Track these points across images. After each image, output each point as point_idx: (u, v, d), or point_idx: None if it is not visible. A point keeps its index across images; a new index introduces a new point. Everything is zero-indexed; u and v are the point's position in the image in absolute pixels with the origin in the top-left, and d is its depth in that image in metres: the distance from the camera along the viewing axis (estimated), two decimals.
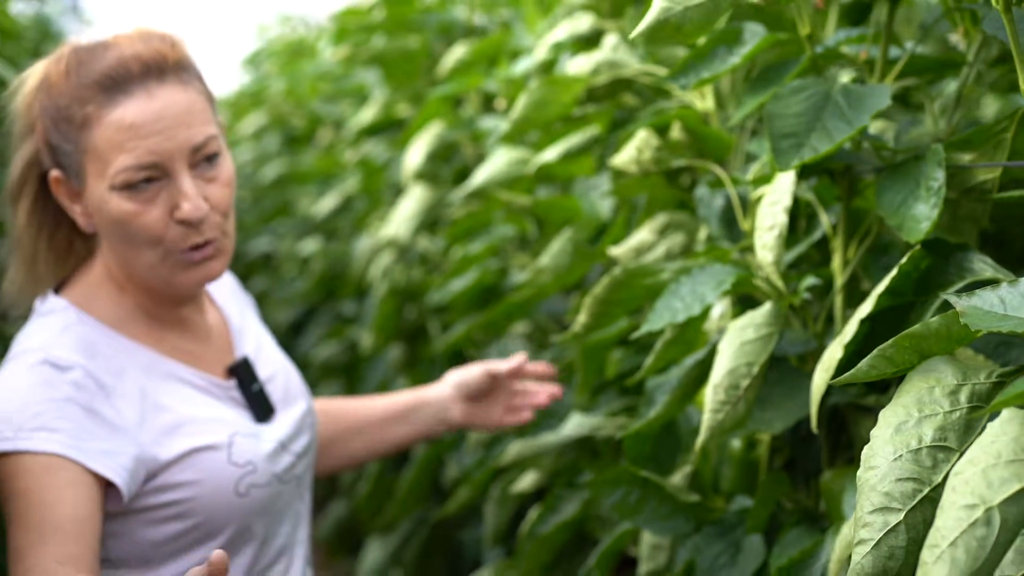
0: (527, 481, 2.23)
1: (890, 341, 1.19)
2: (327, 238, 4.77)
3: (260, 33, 6.28)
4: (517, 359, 2.05)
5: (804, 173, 1.65)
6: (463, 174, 3.08)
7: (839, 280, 1.59)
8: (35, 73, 1.73)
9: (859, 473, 1.15)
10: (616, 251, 1.98)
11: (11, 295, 1.78)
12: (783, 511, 1.68)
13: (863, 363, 1.21)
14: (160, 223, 1.67)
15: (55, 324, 1.70)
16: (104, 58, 1.67)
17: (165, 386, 1.74)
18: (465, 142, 3.12)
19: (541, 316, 2.63)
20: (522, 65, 2.64)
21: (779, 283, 1.54)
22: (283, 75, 5.77)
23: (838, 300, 1.60)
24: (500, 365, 2.05)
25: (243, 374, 1.84)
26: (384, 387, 3.56)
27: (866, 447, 1.16)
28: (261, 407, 1.83)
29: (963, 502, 0.98)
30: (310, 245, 4.85)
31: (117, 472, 1.61)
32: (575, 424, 2.08)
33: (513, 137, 2.13)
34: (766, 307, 1.54)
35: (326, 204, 4.32)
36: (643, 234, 1.97)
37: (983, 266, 1.36)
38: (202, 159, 1.69)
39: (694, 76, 1.63)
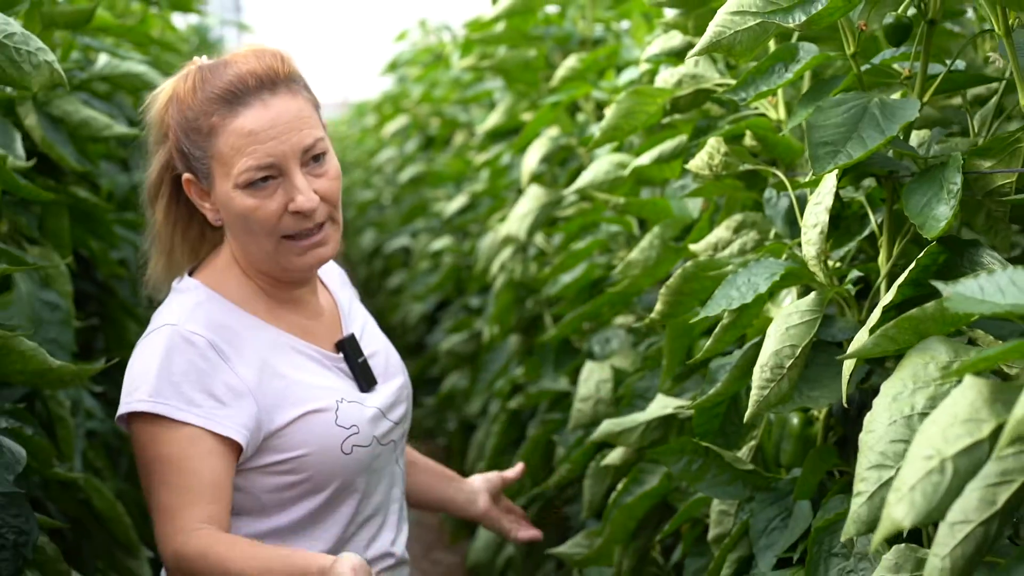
0: (615, 456, 2.42)
1: (891, 322, 1.38)
2: (457, 236, 5.02)
3: (400, 40, 6.55)
4: (517, 472, 2.38)
5: (857, 178, 1.85)
6: (577, 176, 3.29)
7: (883, 272, 1.77)
8: (166, 89, 1.99)
9: (860, 436, 1.34)
10: (696, 247, 2.19)
11: (153, 281, 2.05)
12: (832, 480, 1.87)
13: (868, 341, 1.41)
14: (277, 214, 1.91)
15: (188, 302, 1.97)
16: (224, 75, 1.91)
17: (282, 356, 1.98)
18: (578, 146, 3.33)
19: (639, 308, 2.82)
20: (626, 76, 2.85)
21: (821, 274, 1.73)
22: (421, 81, 6.04)
23: (882, 290, 1.78)
24: (509, 474, 2.38)
25: (350, 349, 2.07)
26: (503, 374, 3.80)
27: (868, 413, 1.35)
28: (365, 378, 2.07)
29: (923, 454, 1.17)
30: (442, 242, 5.11)
31: (241, 433, 1.88)
32: (659, 405, 2.28)
33: (602, 143, 2.34)
34: (811, 296, 1.74)
35: (455, 203, 4.58)
36: (720, 232, 2.17)
37: (991, 260, 1.54)
38: (311, 158, 1.93)
39: (753, 89, 1.83)
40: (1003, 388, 1.16)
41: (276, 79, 1.92)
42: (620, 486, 2.31)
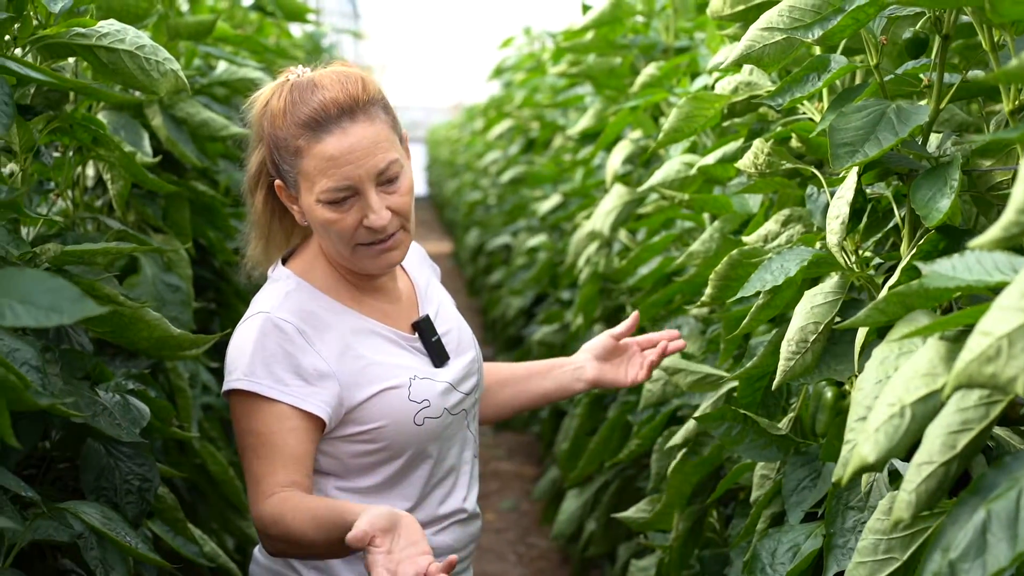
0: (679, 436, 2.65)
1: (881, 296, 1.60)
2: (552, 233, 5.28)
3: (506, 46, 6.81)
4: (628, 323, 2.51)
5: (882, 175, 2.06)
6: None
7: (904, 260, 1.98)
8: (264, 93, 2.21)
9: (852, 393, 1.57)
10: (749, 239, 2.41)
11: (252, 262, 2.31)
12: None
13: (861, 313, 1.63)
14: (352, 228, 2.13)
15: (280, 290, 2.20)
16: (311, 100, 2.11)
17: (362, 339, 2.21)
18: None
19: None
20: (698, 83, 3.08)
21: (841, 261, 1.95)
22: (523, 86, 6.30)
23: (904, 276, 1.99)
24: (617, 328, 2.51)
25: (424, 329, 2.30)
26: None
27: (860, 375, 1.58)
28: (438, 355, 2.28)
29: (887, 401, 1.39)
30: (537, 239, 5.37)
31: (324, 410, 2.13)
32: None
33: (663, 144, 2.58)
34: (833, 279, 1.96)
35: (549, 203, 4.83)
36: (770, 225, 2.39)
37: None
38: (385, 180, 2.13)
39: (789, 96, 2.04)
40: (956, 348, 1.38)
41: (356, 107, 2.11)
42: (678, 456, 2.54)
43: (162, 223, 2.94)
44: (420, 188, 14.26)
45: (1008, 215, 1.17)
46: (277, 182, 2.19)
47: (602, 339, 2.53)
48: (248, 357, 2.13)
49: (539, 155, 6.05)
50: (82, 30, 2.06)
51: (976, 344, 1.21)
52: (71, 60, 2.37)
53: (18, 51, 2.07)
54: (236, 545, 3.41)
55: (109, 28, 2.08)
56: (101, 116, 2.67)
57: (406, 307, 2.33)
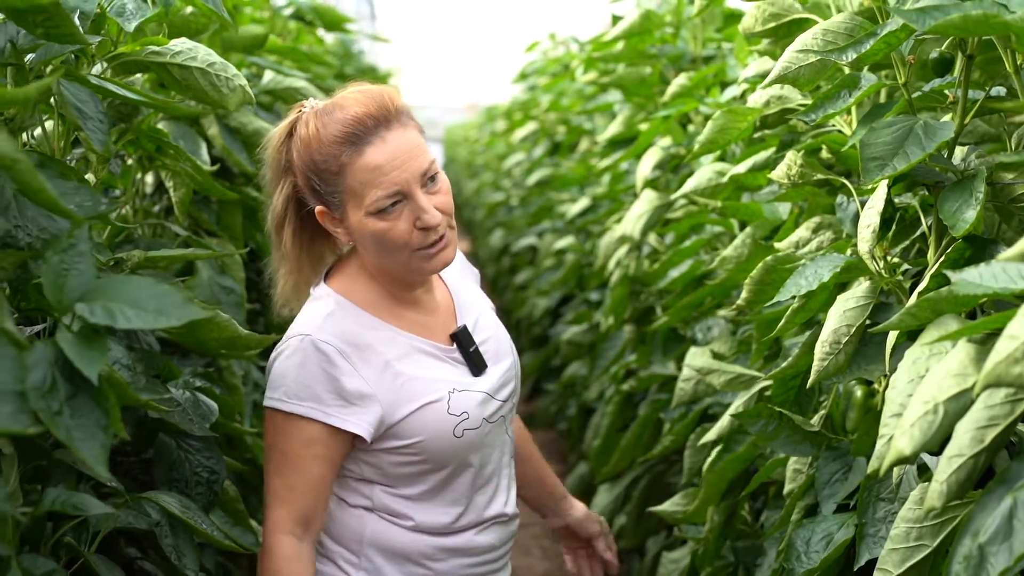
0: (713, 432, 2.78)
1: (913, 302, 1.72)
2: (579, 236, 5.41)
3: (531, 50, 6.92)
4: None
5: (911, 187, 2.18)
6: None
7: (932, 267, 2.11)
8: (281, 130, 2.25)
9: (886, 391, 1.69)
10: (780, 245, 2.53)
11: (282, 300, 2.36)
12: None
13: (894, 318, 1.75)
14: (407, 232, 2.17)
15: (321, 311, 2.24)
16: (343, 119, 2.16)
17: (402, 355, 2.25)
18: (688, 155, 3.69)
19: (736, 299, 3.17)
20: (728, 93, 3.21)
21: (871, 267, 2.07)
22: (549, 90, 6.42)
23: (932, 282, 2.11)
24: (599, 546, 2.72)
25: (462, 339, 2.33)
26: (617, 360, 4.18)
27: (893, 374, 1.70)
28: (477, 364, 2.33)
29: (922, 399, 1.52)
30: (565, 241, 5.50)
31: (364, 428, 2.21)
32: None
33: (699, 155, 2.70)
34: (864, 284, 2.08)
35: (578, 206, 4.96)
36: (801, 231, 2.51)
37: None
38: (428, 179, 2.19)
39: (821, 112, 2.16)
40: (985, 351, 1.51)
41: (389, 116, 2.17)
42: (714, 453, 2.67)
43: (216, 227, 3.07)
44: None
45: None
46: (318, 208, 2.23)
47: (588, 526, 2.72)
48: (291, 379, 2.19)
49: (564, 158, 6.18)
50: (157, 48, 2.19)
51: (1004, 347, 1.32)
52: (139, 75, 2.50)
53: (97, 68, 2.19)
54: None
55: (182, 46, 2.21)
56: (160, 127, 2.80)
57: (444, 318, 2.37)
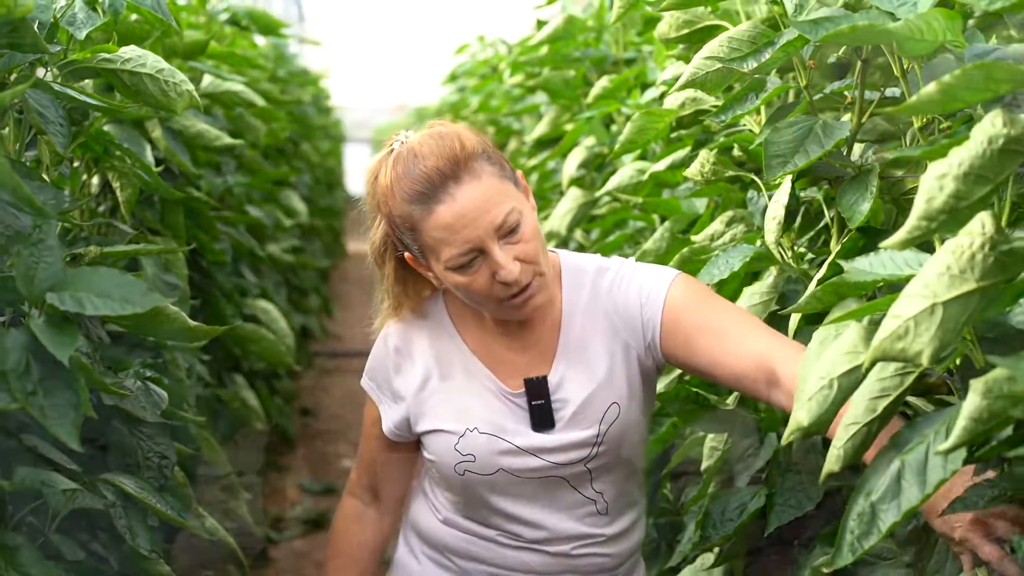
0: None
1: (819, 287, 1.88)
2: None
3: (460, 52, 7.06)
4: None
5: (814, 182, 2.35)
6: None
7: (832, 255, 2.27)
8: (374, 166, 2.19)
9: (797, 368, 1.85)
10: (697, 238, 2.69)
11: (380, 324, 2.36)
12: None
13: (801, 301, 1.91)
14: (487, 285, 2.10)
15: (420, 306, 2.32)
16: (413, 176, 2.08)
17: (449, 374, 2.27)
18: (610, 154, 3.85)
19: None
20: (647, 95, 3.38)
21: (777, 257, 2.25)
22: (478, 92, 6.56)
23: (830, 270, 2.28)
24: None
25: (533, 390, 2.22)
26: None
27: (805, 351, 1.86)
28: (540, 420, 2.22)
29: (818, 375, 1.67)
30: None
31: (388, 424, 2.34)
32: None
33: (620, 154, 2.87)
34: (770, 276, 2.25)
35: None
36: (716, 225, 2.67)
37: None
38: (506, 232, 2.09)
39: (731, 113, 2.32)
40: (873, 330, 1.68)
41: (458, 168, 2.08)
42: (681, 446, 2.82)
43: (159, 226, 3.19)
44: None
45: (911, 221, 1.43)
46: (407, 255, 2.19)
47: None
48: (371, 359, 2.35)
49: None
50: (108, 55, 2.31)
51: (889, 325, 1.47)
52: (87, 81, 2.62)
53: (48, 75, 2.31)
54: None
55: (131, 54, 2.33)
56: (107, 129, 2.92)
57: (532, 359, 2.27)
